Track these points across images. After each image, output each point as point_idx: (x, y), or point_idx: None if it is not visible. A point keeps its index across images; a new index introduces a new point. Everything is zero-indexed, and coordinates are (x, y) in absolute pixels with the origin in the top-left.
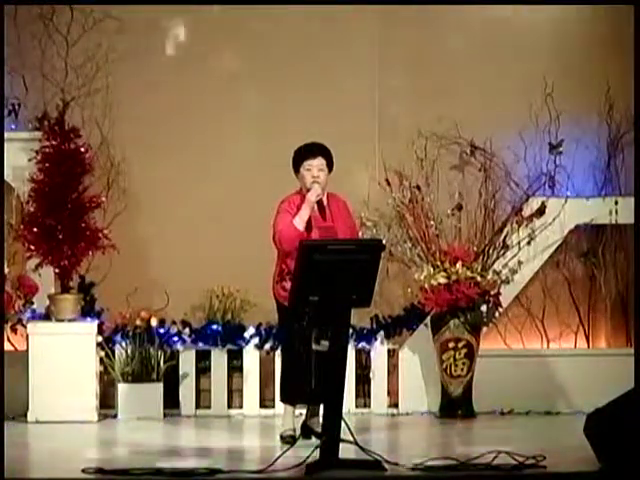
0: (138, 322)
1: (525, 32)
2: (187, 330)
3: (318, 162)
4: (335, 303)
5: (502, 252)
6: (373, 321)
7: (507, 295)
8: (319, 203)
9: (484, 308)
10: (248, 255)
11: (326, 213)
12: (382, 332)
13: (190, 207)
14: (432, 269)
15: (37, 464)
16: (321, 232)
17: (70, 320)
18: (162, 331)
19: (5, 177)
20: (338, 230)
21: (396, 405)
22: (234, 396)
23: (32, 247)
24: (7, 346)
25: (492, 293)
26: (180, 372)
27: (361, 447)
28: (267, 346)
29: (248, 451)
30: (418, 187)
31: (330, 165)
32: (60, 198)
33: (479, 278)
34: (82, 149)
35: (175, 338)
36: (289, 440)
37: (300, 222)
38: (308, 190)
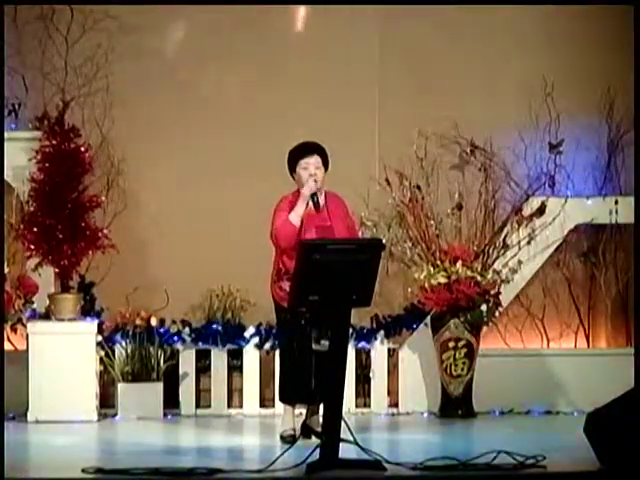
0: (138, 322)
1: (525, 31)
2: (187, 330)
3: (315, 160)
4: (335, 303)
5: (502, 252)
6: (373, 321)
7: (507, 295)
8: (316, 202)
9: (484, 308)
10: (248, 255)
11: (324, 213)
12: (382, 332)
13: (190, 207)
14: (432, 269)
15: (37, 464)
16: (318, 232)
17: (70, 320)
18: (162, 331)
19: (5, 177)
20: (336, 230)
21: (396, 405)
22: (234, 396)
23: (32, 247)
24: (7, 346)
25: (492, 293)
26: (180, 372)
27: (361, 447)
28: (267, 346)
29: (248, 451)
30: (418, 187)
31: (326, 164)
32: (60, 198)
33: (479, 278)
34: (82, 149)
35: (175, 338)
36: (289, 440)
37: (295, 217)
38: None
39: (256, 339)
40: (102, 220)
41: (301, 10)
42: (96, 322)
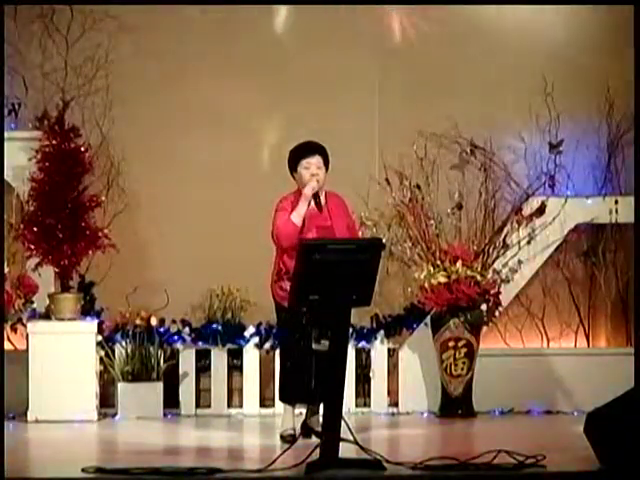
0: (138, 321)
1: (525, 32)
2: (187, 329)
3: (316, 160)
4: (335, 303)
5: (502, 251)
6: (373, 320)
7: (507, 294)
8: (318, 202)
9: (484, 307)
10: (248, 254)
11: (324, 212)
12: (382, 331)
13: (190, 207)
14: (432, 268)
15: (37, 464)
16: (319, 231)
17: (70, 319)
18: (162, 330)
19: (5, 177)
20: (336, 229)
21: (396, 405)
22: (234, 395)
23: (32, 246)
24: (7, 345)
25: (492, 292)
26: (180, 371)
27: (361, 446)
28: (267, 345)
29: (248, 450)
30: (418, 186)
31: (327, 164)
32: (60, 198)
33: (479, 277)
34: (82, 149)
35: (175, 337)
36: (289, 439)
37: (297, 217)
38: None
39: (256, 339)
40: (102, 220)
41: (301, 10)
42: (96, 322)
